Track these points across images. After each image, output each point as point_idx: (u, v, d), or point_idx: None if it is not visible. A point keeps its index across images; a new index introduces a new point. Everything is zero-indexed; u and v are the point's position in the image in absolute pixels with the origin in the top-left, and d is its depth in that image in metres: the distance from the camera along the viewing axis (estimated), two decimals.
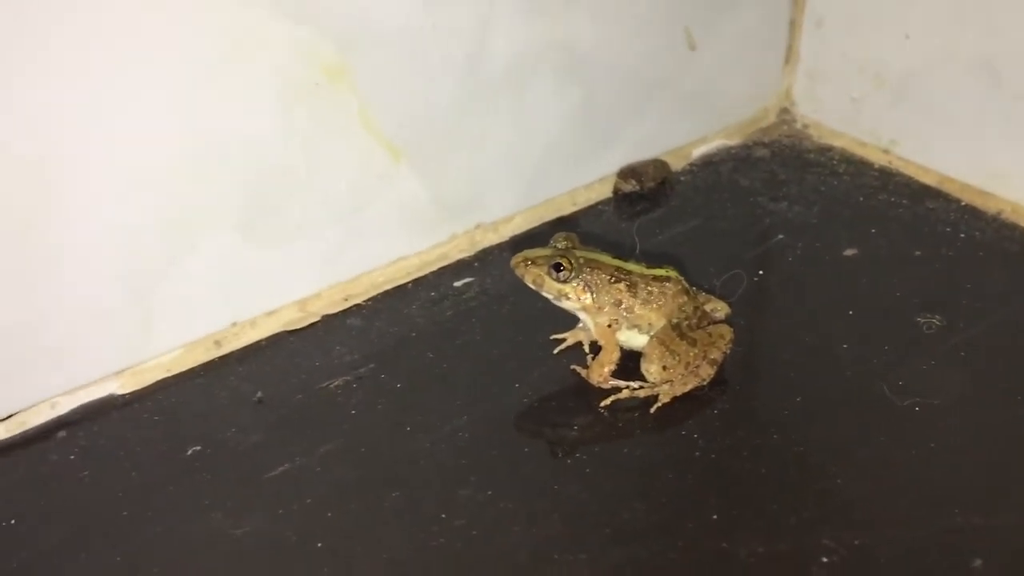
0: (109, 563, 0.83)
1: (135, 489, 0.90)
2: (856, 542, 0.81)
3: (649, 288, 0.98)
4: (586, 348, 1.03)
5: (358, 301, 1.13)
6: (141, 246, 0.97)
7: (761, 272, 1.16)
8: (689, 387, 0.96)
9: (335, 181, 1.08)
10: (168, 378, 1.02)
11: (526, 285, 0.98)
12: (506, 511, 0.86)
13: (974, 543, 0.81)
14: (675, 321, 0.98)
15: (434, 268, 1.18)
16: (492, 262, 1.20)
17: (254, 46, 0.95)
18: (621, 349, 0.99)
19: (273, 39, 0.96)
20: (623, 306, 0.98)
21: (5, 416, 0.96)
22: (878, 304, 1.10)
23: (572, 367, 1.01)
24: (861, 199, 1.30)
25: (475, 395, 0.99)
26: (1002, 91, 1.23)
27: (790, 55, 1.46)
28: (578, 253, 0.98)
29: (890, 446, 0.91)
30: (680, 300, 0.99)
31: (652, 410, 0.95)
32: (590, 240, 1.03)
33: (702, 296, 1.03)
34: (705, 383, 0.97)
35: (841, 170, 1.37)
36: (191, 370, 1.03)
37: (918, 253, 1.18)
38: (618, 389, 0.97)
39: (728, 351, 0.98)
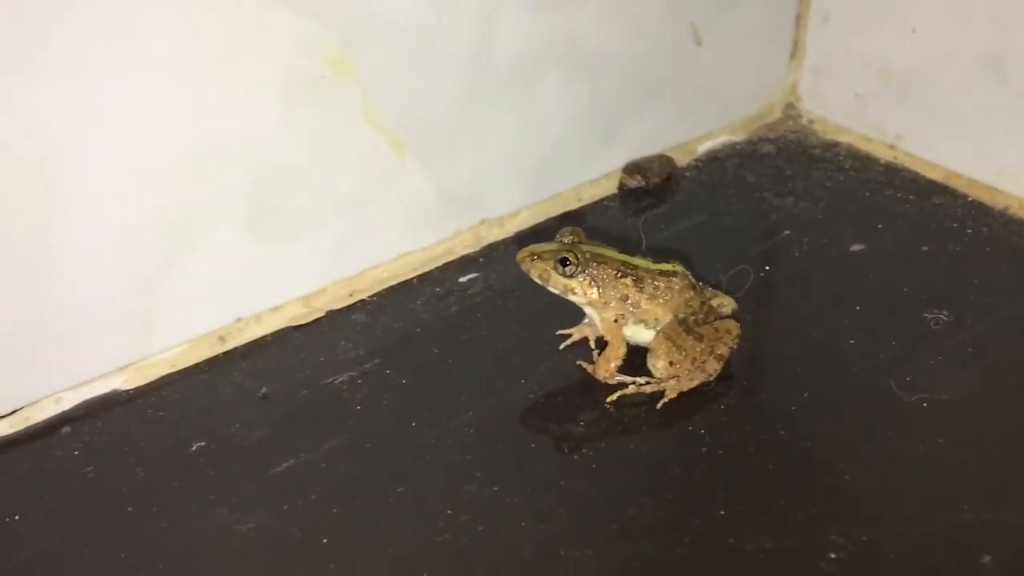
0: (113, 559, 0.82)
1: (139, 485, 0.89)
2: (864, 538, 0.81)
3: (656, 283, 0.98)
4: (592, 344, 1.03)
5: (363, 297, 1.13)
6: (145, 242, 0.97)
7: (767, 268, 1.15)
8: (696, 382, 0.96)
9: (339, 176, 1.07)
10: (172, 374, 1.02)
11: (532, 280, 0.98)
12: (512, 507, 0.86)
13: (983, 539, 0.81)
14: (681, 316, 0.97)
15: (439, 264, 1.18)
16: (497, 258, 1.19)
17: (258, 39, 0.95)
18: (627, 344, 0.98)
19: (277, 31, 0.96)
20: (629, 301, 0.97)
21: (9, 412, 0.96)
22: (885, 299, 1.09)
23: (578, 363, 1.00)
24: (867, 195, 1.29)
25: (480, 391, 0.99)
26: (1009, 86, 1.22)
27: (796, 50, 1.46)
28: (584, 248, 0.98)
29: (897, 442, 0.91)
30: (687, 295, 0.99)
31: (658, 406, 0.95)
32: (596, 235, 1.03)
33: (708, 291, 1.03)
34: (712, 378, 0.96)
35: (847, 166, 1.36)
36: (195, 366, 1.03)
37: (925, 249, 1.17)
38: (624, 385, 0.97)
39: (735, 346, 0.97)
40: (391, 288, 1.14)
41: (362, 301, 1.12)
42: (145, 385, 1.01)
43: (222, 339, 1.05)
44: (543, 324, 1.06)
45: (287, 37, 0.97)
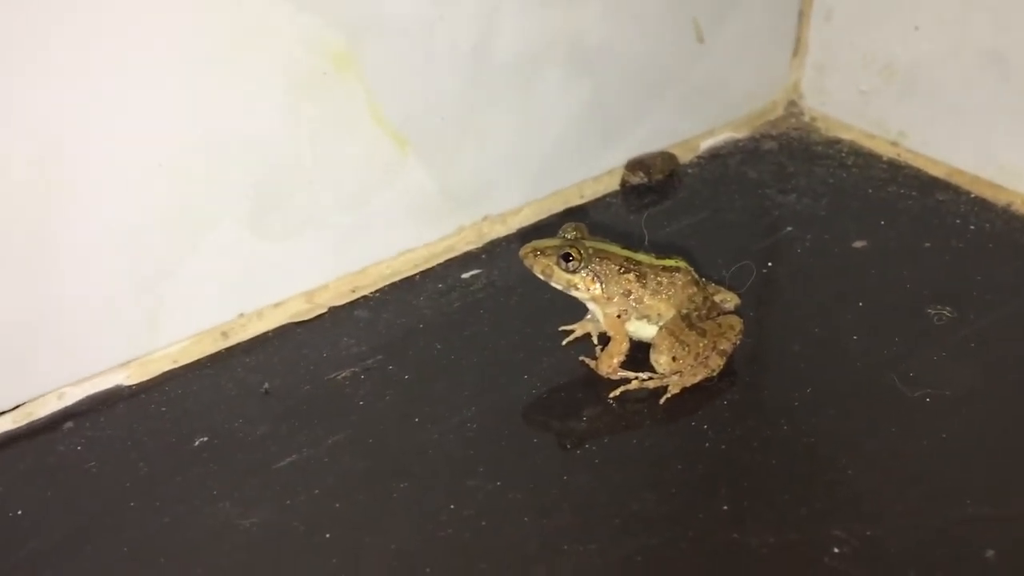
0: (116, 554, 0.83)
1: (142, 480, 0.89)
2: (867, 533, 0.81)
3: (658, 278, 0.98)
4: (595, 339, 1.03)
5: (365, 293, 1.13)
6: (148, 239, 0.97)
7: (770, 264, 1.15)
8: (698, 378, 0.96)
9: (342, 172, 1.07)
10: (175, 369, 1.02)
11: (535, 276, 0.98)
12: (515, 502, 0.86)
13: (985, 534, 0.81)
14: (684, 312, 0.97)
15: (441, 260, 1.18)
16: (500, 254, 1.19)
17: (259, 37, 0.95)
18: (630, 340, 0.98)
19: (278, 29, 0.96)
20: (632, 296, 0.97)
21: (12, 407, 0.96)
22: (888, 296, 1.09)
23: (581, 358, 1.01)
24: (870, 191, 1.29)
25: (483, 386, 0.99)
26: (1011, 83, 1.22)
27: (798, 47, 1.46)
28: (587, 243, 0.98)
29: (900, 437, 0.91)
30: (689, 291, 0.98)
31: (661, 401, 0.95)
32: (599, 232, 1.03)
33: (711, 287, 1.03)
34: (714, 374, 0.96)
35: (850, 162, 1.36)
36: (198, 361, 1.03)
37: (928, 245, 1.17)
38: (627, 380, 0.97)
39: (738, 342, 0.97)
40: (394, 284, 1.14)
41: (365, 297, 1.12)
42: (148, 381, 1.01)
43: (225, 335, 1.05)
44: (546, 320, 1.06)
45: (288, 35, 0.97)
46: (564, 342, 1.04)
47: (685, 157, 1.38)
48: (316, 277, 1.11)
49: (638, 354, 0.98)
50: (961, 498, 0.84)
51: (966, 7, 1.24)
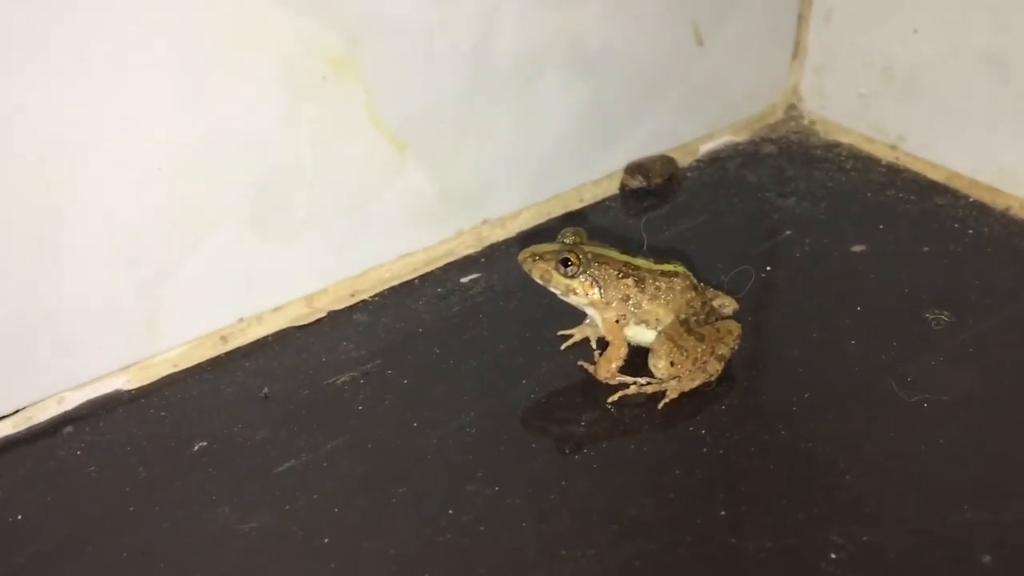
0: (115, 558, 0.83)
1: (142, 484, 0.89)
2: (865, 538, 0.81)
3: (657, 284, 0.98)
4: (593, 344, 1.03)
5: (364, 297, 1.13)
6: (147, 242, 0.97)
7: (769, 268, 1.15)
8: (697, 383, 0.96)
9: (341, 176, 1.07)
10: (175, 374, 1.02)
11: (533, 280, 0.98)
12: (514, 506, 0.86)
13: (983, 539, 0.81)
14: (683, 317, 0.98)
15: (440, 264, 1.18)
16: (499, 258, 1.19)
17: (258, 39, 0.95)
18: (629, 345, 0.98)
19: (278, 31, 0.96)
20: (631, 301, 0.98)
21: (12, 411, 0.96)
22: (886, 300, 1.09)
23: (579, 363, 1.01)
24: (869, 195, 1.29)
25: (482, 391, 0.99)
26: (1011, 87, 1.22)
27: (798, 50, 1.46)
28: (586, 248, 0.98)
29: (898, 442, 0.91)
30: (688, 296, 0.99)
31: (660, 406, 0.95)
32: (597, 236, 1.03)
33: (710, 292, 1.03)
34: (713, 379, 0.96)
35: (849, 166, 1.36)
36: (198, 366, 1.03)
37: (926, 249, 1.17)
38: (625, 385, 0.97)
39: (736, 347, 0.98)
40: (393, 288, 1.14)
41: (364, 301, 1.12)
42: (147, 385, 1.01)
43: (224, 339, 1.06)
44: (544, 325, 1.06)
45: (288, 37, 0.97)
46: (563, 347, 1.04)
47: (684, 161, 1.38)
48: (315, 281, 1.11)
49: (636, 359, 0.98)
50: (959, 503, 0.84)
51: (966, 9, 1.24)
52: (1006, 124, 1.24)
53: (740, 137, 1.44)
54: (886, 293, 1.10)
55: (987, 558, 0.79)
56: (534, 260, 0.97)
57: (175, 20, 0.90)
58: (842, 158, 1.38)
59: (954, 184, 1.29)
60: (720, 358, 0.96)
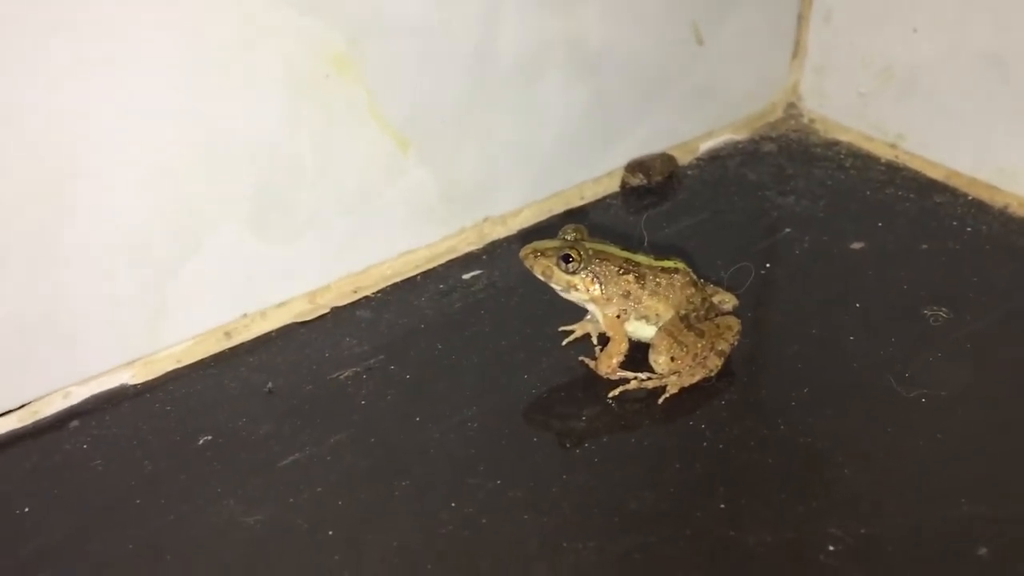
0: (121, 551, 0.83)
1: (147, 478, 0.90)
2: (862, 531, 0.82)
3: (657, 279, 0.99)
4: (594, 340, 1.04)
5: (367, 293, 1.14)
6: (152, 238, 0.98)
7: (768, 265, 1.16)
8: (697, 378, 0.96)
9: (344, 173, 1.08)
10: (179, 368, 1.03)
11: (535, 277, 0.99)
12: (515, 500, 0.86)
13: (979, 533, 0.82)
14: (683, 312, 0.98)
15: (443, 260, 1.19)
16: (500, 255, 1.20)
17: (261, 39, 0.96)
18: (629, 340, 0.99)
19: (280, 31, 0.97)
20: (631, 297, 0.98)
21: (18, 406, 0.97)
22: (885, 297, 1.10)
23: (580, 358, 1.01)
24: (868, 193, 1.30)
25: (484, 386, 1.00)
26: (1009, 86, 1.23)
27: (797, 49, 1.47)
28: (587, 244, 0.98)
29: (896, 437, 0.92)
30: (688, 291, 0.99)
31: (660, 401, 0.96)
32: (598, 233, 1.04)
33: (710, 288, 1.04)
34: (713, 374, 0.97)
35: (848, 164, 1.37)
36: (202, 361, 1.04)
37: (925, 246, 1.18)
38: (626, 380, 0.97)
39: (736, 342, 0.98)
40: (395, 285, 1.15)
41: (367, 298, 1.13)
42: (152, 380, 1.02)
43: (228, 335, 1.06)
44: (546, 320, 1.07)
45: (290, 37, 0.97)
46: (564, 342, 1.04)
47: (684, 159, 1.39)
48: (318, 277, 1.12)
49: (637, 354, 0.99)
50: (956, 497, 0.85)
51: (965, 9, 1.25)
52: (1005, 123, 1.25)
53: (740, 135, 1.45)
54: (885, 290, 1.11)
55: (984, 551, 0.80)
56: (535, 256, 0.98)
57: (176, 20, 0.90)
58: (841, 156, 1.39)
59: (953, 182, 1.30)
60: (720, 354, 0.97)
